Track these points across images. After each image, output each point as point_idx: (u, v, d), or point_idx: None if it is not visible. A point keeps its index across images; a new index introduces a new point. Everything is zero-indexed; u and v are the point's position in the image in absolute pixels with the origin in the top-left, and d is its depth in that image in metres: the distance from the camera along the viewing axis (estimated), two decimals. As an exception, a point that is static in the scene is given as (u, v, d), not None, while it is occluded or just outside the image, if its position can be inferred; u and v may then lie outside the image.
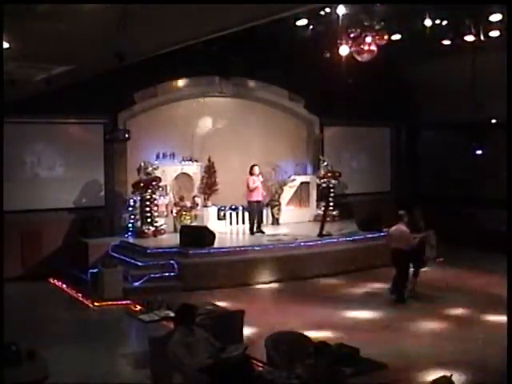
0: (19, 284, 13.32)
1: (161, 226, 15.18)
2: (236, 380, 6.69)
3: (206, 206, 16.18)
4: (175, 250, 13.73)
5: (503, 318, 8.56)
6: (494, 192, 15.33)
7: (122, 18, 6.50)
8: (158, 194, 15.29)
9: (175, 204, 15.80)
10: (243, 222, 16.49)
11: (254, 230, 15.60)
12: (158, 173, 15.20)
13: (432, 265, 13.39)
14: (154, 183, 15.00)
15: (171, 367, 7.08)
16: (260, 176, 15.68)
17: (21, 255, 14.32)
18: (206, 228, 14.54)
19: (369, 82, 17.07)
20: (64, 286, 13.56)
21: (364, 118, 18.08)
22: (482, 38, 13.52)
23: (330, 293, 12.81)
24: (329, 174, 17.64)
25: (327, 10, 12.96)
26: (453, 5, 12.52)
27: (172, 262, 13.23)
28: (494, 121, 16.83)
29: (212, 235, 14.07)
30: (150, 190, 15.00)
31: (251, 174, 15.56)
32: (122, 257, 13.82)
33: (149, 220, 15.01)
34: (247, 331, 9.17)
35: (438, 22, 13.34)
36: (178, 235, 14.23)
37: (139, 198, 15.13)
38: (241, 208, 16.53)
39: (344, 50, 13.68)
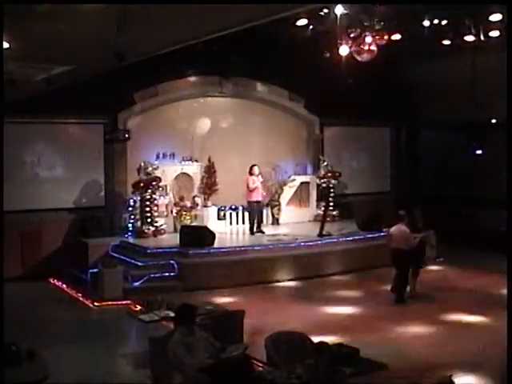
0: (19, 284, 13.31)
1: (161, 225, 15.18)
2: (236, 380, 6.69)
3: (206, 206, 16.18)
4: (175, 249, 13.72)
5: (503, 318, 8.54)
6: (494, 192, 15.33)
7: (122, 18, 6.51)
8: (157, 193, 15.29)
9: (175, 204, 15.80)
10: (243, 222, 16.49)
11: (254, 230, 15.60)
12: (158, 173, 15.19)
13: (432, 265, 13.41)
14: (154, 183, 15.00)
15: (171, 367, 7.08)
16: (260, 176, 15.68)
17: (21, 255, 14.32)
18: (206, 228, 14.54)
19: (369, 82, 17.07)
20: (64, 286, 13.56)
21: (364, 118, 18.07)
22: (482, 37, 13.52)
23: (330, 293, 12.80)
24: (329, 174, 17.64)
25: (325, 10, 12.94)
26: (453, 5, 12.53)
27: (172, 262, 13.23)
28: (494, 121, 16.83)
29: (212, 235, 14.07)
30: (149, 190, 15.00)
31: (251, 174, 15.56)
32: (122, 257, 13.82)
33: (149, 220, 15.01)
34: (247, 331, 9.16)
35: (438, 21, 13.35)
36: (178, 235, 14.23)
37: (139, 198, 15.13)
38: (241, 208, 16.53)
39: (344, 50, 13.68)
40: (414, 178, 20.05)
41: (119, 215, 15.47)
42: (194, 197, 16.04)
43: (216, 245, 14.01)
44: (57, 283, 13.81)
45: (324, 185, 17.67)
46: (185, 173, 16.13)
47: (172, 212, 15.72)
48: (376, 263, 14.44)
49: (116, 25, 6.65)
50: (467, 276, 14.10)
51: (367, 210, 17.44)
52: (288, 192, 17.45)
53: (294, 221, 17.25)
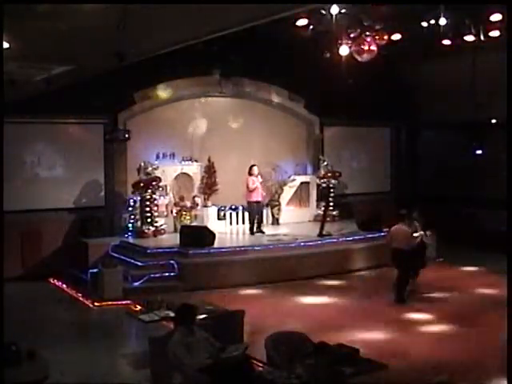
0: (19, 284, 13.32)
1: (161, 225, 15.18)
2: (236, 380, 6.69)
3: (206, 206, 16.18)
4: (175, 249, 13.72)
5: (503, 318, 8.54)
6: (494, 192, 15.34)
7: (122, 18, 6.51)
8: (158, 194, 15.28)
9: (175, 204, 15.80)
10: (243, 222, 16.49)
11: (254, 230, 15.60)
12: (158, 173, 15.19)
13: (432, 265, 13.41)
14: (154, 183, 15.00)
15: (171, 367, 7.08)
16: (259, 176, 15.68)
17: (21, 255, 14.32)
18: (206, 228, 14.54)
19: (369, 82, 17.08)
20: (64, 286, 13.56)
21: (364, 118, 18.07)
22: (482, 37, 13.52)
23: (329, 292, 12.80)
24: (329, 174, 17.64)
25: (323, 11, 12.93)
26: (453, 5, 12.53)
27: (172, 262, 13.23)
28: (494, 121, 16.84)
29: (212, 235, 14.07)
30: (150, 190, 15.00)
31: (250, 174, 15.56)
32: (122, 257, 13.82)
33: (149, 220, 15.01)
34: (247, 331, 9.16)
35: (437, 22, 13.34)
36: (178, 235, 14.23)
37: (139, 198, 15.13)
38: (241, 208, 16.52)
39: (344, 50, 13.70)
40: (414, 178, 20.06)
41: (119, 215, 15.47)
42: (194, 197, 16.05)
43: (216, 245, 14.01)
44: (57, 283, 13.81)
45: (324, 185, 17.67)
46: (185, 173, 16.13)
47: (172, 212, 15.72)
48: (376, 263, 14.48)
49: (116, 25, 6.64)
50: (467, 276, 14.10)
51: (367, 210, 17.45)
52: (288, 192, 17.45)
53: (294, 221, 17.24)
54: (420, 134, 20.45)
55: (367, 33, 13.49)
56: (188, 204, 15.85)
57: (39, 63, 9.38)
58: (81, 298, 12.56)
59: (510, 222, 12.07)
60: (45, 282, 13.81)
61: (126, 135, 15.51)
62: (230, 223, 16.54)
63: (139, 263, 13.40)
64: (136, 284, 12.80)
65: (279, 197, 17.17)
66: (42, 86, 10.98)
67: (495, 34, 13.33)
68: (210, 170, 16.36)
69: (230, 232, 16.13)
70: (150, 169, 15.04)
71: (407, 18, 13.43)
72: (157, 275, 12.98)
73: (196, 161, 16.35)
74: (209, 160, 16.40)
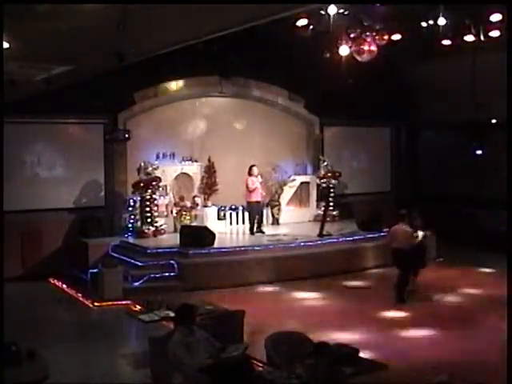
0: (19, 284, 13.32)
1: (161, 226, 15.18)
2: (236, 380, 6.69)
3: (206, 206, 16.18)
4: (175, 249, 13.72)
5: (503, 318, 8.55)
6: (494, 192, 15.35)
7: (121, 18, 6.50)
8: (158, 194, 15.28)
9: (175, 204, 15.80)
10: (243, 222, 16.49)
11: (254, 230, 15.60)
12: (158, 173, 15.19)
13: (432, 265, 13.40)
14: (154, 183, 15.00)
15: (171, 367, 7.08)
16: (259, 176, 15.67)
17: (21, 255, 14.32)
18: (205, 228, 14.54)
19: (369, 82, 17.08)
20: (64, 286, 13.56)
21: (364, 118, 18.08)
22: (482, 38, 13.52)
23: (329, 292, 12.80)
24: (329, 174, 17.64)
25: (322, 11, 12.93)
26: (453, 5, 12.53)
27: (172, 261, 13.23)
28: (494, 121, 16.84)
29: (212, 235, 14.07)
30: (150, 190, 15.00)
31: (250, 174, 15.55)
32: (122, 257, 13.82)
33: (149, 220, 15.01)
34: (247, 331, 9.16)
35: (437, 22, 13.34)
36: (178, 235, 14.23)
37: (139, 198, 15.13)
38: (241, 208, 16.53)
39: (344, 50, 13.70)
40: (414, 177, 20.06)
41: (119, 215, 15.47)
42: (194, 197, 16.05)
43: (216, 245, 14.01)
44: (57, 283, 13.81)
45: (324, 185, 17.67)
46: (185, 173, 16.14)
47: (172, 212, 15.72)
48: (376, 263, 14.47)
49: (116, 25, 6.64)
50: (467, 276, 14.10)
51: (367, 209, 17.45)
52: (288, 192, 17.45)
53: (294, 221, 17.24)
54: (420, 133, 20.46)
55: (367, 33, 13.49)
56: (188, 204, 15.85)
57: (39, 63, 9.37)
58: (81, 298, 12.56)
59: (510, 222, 12.09)
60: (45, 282, 13.81)
61: (126, 135, 15.51)
62: (230, 223, 16.54)
63: (139, 263, 13.40)
64: (136, 284, 12.80)
65: (279, 197, 17.17)
66: (42, 86, 10.98)
67: (495, 34, 13.32)
68: (209, 170, 16.37)
69: (230, 232, 16.13)
70: (150, 169, 15.04)
71: (407, 18, 13.43)
72: (157, 275, 12.97)
73: (196, 161, 16.36)
74: (209, 160, 16.41)
